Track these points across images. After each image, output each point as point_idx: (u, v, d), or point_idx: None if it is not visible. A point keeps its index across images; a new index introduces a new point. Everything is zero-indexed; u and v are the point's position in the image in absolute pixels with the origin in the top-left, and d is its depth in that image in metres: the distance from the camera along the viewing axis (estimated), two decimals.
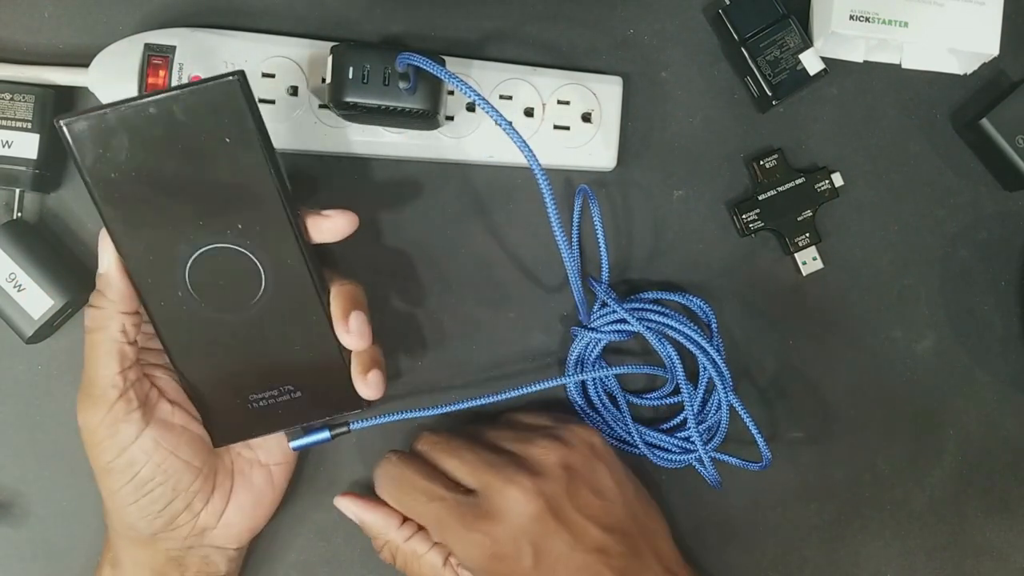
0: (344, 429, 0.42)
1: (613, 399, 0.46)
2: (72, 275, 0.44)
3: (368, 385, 0.39)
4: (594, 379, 0.46)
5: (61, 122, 0.35)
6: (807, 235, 0.46)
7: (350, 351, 0.40)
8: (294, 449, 0.42)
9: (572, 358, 0.46)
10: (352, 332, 0.38)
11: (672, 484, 0.47)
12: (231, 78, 0.35)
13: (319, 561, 0.47)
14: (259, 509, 0.43)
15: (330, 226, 0.38)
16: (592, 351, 0.45)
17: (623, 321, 0.44)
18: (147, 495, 0.38)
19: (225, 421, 0.41)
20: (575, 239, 0.45)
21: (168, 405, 0.39)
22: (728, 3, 0.45)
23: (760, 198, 0.46)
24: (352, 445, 0.46)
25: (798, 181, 0.46)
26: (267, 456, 0.43)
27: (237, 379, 0.40)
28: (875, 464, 0.48)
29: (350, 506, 0.43)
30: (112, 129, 0.35)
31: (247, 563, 0.45)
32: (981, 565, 0.48)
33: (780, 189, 0.46)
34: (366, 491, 0.44)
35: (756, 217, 0.46)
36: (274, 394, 0.40)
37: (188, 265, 0.37)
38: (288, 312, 0.39)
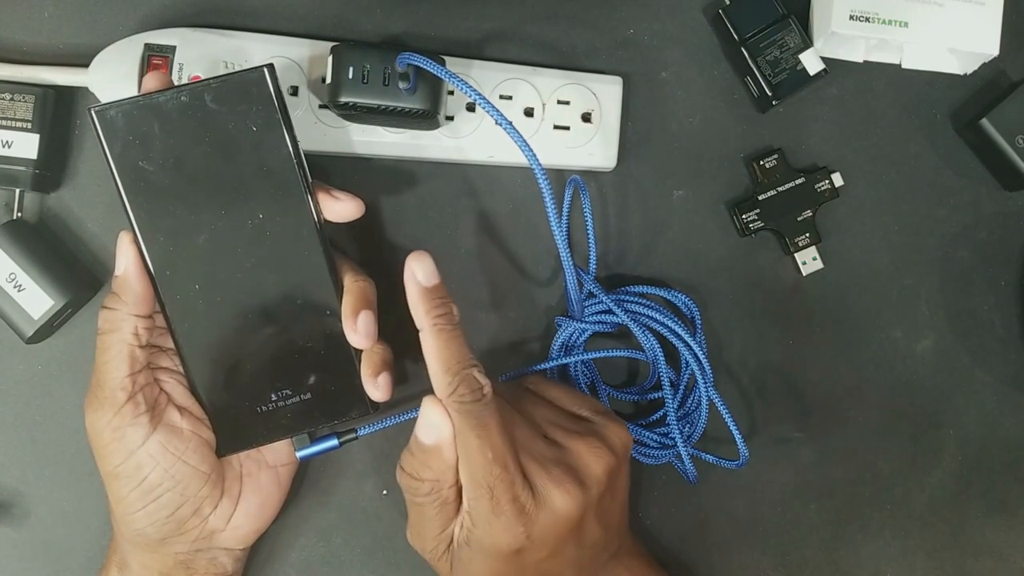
0: (352, 436, 0.41)
1: (593, 391, 0.46)
2: (72, 275, 0.44)
3: (378, 387, 0.39)
4: (575, 369, 0.45)
5: (92, 111, 0.36)
6: (807, 235, 0.46)
7: (360, 352, 0.40)
8: (301, 459, 0.42)
9: (556, 346, 0.46)
10: (359, 332, 0.38)
11: (673, 483, 0.47)
12: (261, 68, 0.37)
13: (319, 561, 0.47)
14: (266, 510, 0.42)
15: (338, 208, 0.39)
16: (577, 341, 0.45)
17: (609, 312, 0.44)
18: (155, 501, 0.38)
19: (233, 428, 0.40)
20: (566, 228, 0.44)
21: (176, 411, 0.39)
22: (728, 3, 0.45)
23: (760, 198, 0.46)
24: (355, 443, 0.46)
25: (798, 181, 0.46)
26: (274, 457, 0.43)
27: (249, 379, 0.40)
28: (875, 464, 0.48)
29: (438, 409, 0.36)
30: (143, 118, 0.36)
31: (248, 564, 0.45)
32: (981, 565, 0.48)
33: (780, 189, 0.46)
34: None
35: (756, 217, 0.46)
36: (283, 396, 0.40)
37: (208, 255, 0.38)
38: (304, 308, 0.39)
